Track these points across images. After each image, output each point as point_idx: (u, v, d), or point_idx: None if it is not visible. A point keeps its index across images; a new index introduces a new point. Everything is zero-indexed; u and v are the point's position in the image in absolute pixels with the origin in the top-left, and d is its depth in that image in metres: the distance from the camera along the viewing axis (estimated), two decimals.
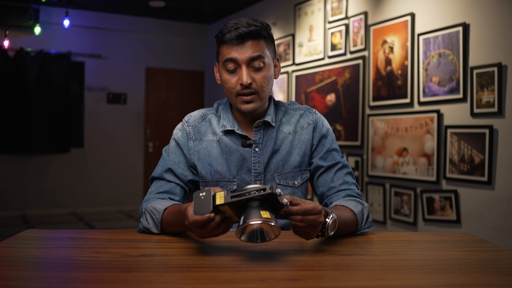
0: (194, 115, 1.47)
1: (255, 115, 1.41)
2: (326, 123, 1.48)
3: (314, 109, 1.49)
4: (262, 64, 1.33)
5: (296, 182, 1.42)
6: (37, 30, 5.67)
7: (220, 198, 0.98)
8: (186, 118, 1.47)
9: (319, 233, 1.12)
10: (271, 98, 1.47)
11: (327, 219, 1.10)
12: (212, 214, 0.97)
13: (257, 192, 0.97)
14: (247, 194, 0.97)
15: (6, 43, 5.57)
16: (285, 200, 1.00)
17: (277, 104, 1.49)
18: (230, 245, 1.14)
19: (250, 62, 1.32)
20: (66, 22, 5.72)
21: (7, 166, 5.88)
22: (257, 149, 1.39)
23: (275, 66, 1.42)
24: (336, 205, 1.31)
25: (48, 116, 5.94)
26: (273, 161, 1.40)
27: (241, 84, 1.32)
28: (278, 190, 0.97)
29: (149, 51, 6.64)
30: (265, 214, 0.96)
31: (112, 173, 6.45)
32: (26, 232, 1.24)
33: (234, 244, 1.15)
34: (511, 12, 2.83)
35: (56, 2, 5.63)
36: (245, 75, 1.31)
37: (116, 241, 1.21)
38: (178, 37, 6.80)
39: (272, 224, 0.95)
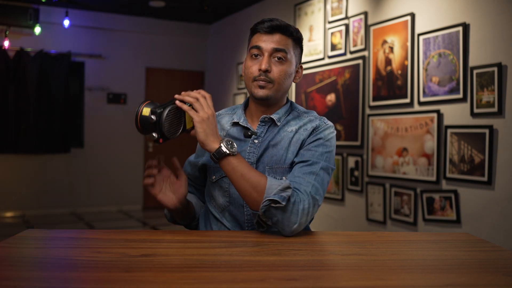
0: None
1: (266, 110, 1.45)
2: (330, 133, 1.42)
3: (329, 121, 1.47)
4: (284, 58, 1.40)
5: (284, 178, 1.42)
6: (37, 30, 5.67)
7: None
8: None
9: (225, 153, 1.27)
10: (288, 100, 1.51)
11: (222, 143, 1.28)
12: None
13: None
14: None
15: (6, 43, 5.57)
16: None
17: (294, 108, 1.51)
18: (230, 245, 1.14)
19: (273, 52, 1.40)
20: (66, 22, 5.72)
21: (7, 166, 5.88)
22: (256, 141, 1.43)
23: (296, 71, 1.48)
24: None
25: (48, 116, 5.94)
26: (267, 154, 1.41)
27: (259, 70, 1.39)
28: (183, 105, 1.26)
29: (149, 51, 6.64)
30: (146, 109, 1.24)
31: (112, 173, 6.45)
32: (26, 232, 1.24)
33: (234, 243, 1.15)
34: (511, 12, 2.83)
35: (56, 2, 5.63)
36: (264, 62, 1.38)
37: (116, 241, 1.21)
38: (178, 37, 6.80)
39: (143, 113, 1.24)
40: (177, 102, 1.27)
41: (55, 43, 6.04)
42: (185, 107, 1.27)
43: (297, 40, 1.45)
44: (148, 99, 1.29)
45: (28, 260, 1.01)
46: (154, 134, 1.24)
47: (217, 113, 1.55)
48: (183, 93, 1.31)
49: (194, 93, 1.30)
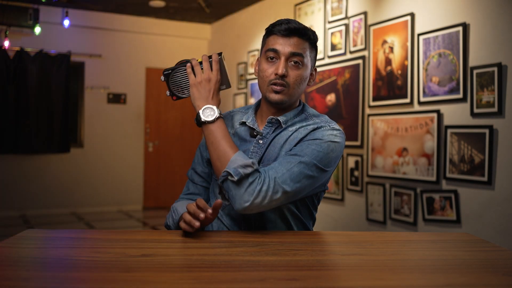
0: (226, 112, 1.58)
1: (277, 112, 1.45)
2: (330, 135, 1.36)
3: (336, 125, 1.41)
4: (300, 63, 1.38)
5: None
6: (37, 30, 5.67)
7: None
8: None
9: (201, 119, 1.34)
10: (301, 103, 1.50)
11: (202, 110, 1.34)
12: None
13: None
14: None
15: (6, 43, 5.57)
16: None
17: (305, 111, 1.48)
18: (230, 245, 1.14)
19: (290, 57, 1.38)
20: (66, 22, 5.72)
21: (7, 166, 5.88)
22: (260, 141, 1.43)
23: (311, 74, 1.46)
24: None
25: (48, 116, 5.94)
26: (267, 153, 1.42)
27: (276, 74, 1.37)
28: (188, 67, 1.38)
29: (149, 51, 6.64)
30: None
31: (112, 173, 6.44)
32: (26, 232, 1.24)
33: (234, 243, 1.15)
34: (511, 12, 2.83)
35: (56, 2, 5.63)
36: (281, 66, 1.37)
37: (116, 241, 1.21)
38: (178, 37, 6.80)
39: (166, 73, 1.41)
40: (188, 64, 1.39)
41: (55, 43, 6.04)
42: (188, 70, 1.38)
43: (314, 43, 1.43)
44: (186, 59, 1.43)
45: (28, 260, 1.01)
46: (167, 92, 1.43)
47: (233, 109, 1.58)
48: (203, 56, 1.40)
49: (204, 57, 1.38)
